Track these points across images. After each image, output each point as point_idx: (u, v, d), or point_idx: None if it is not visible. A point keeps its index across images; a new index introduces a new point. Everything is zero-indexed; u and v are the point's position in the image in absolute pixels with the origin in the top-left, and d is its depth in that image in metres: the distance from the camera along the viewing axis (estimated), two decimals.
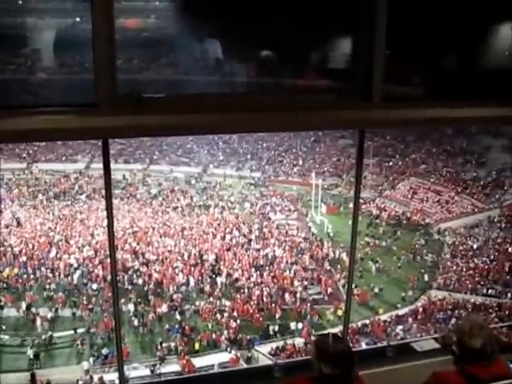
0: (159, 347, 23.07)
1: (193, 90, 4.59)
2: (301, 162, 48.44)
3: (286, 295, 27.03)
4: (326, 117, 3.63)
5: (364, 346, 20.50)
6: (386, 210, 39.69)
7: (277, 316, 25.52)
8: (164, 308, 25.67)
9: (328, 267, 30.41)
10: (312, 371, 3.27)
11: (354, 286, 24.66)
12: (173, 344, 23.41)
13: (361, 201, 35.66)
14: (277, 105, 3.48)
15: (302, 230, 36.38)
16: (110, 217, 3.86)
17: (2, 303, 25.77)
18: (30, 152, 47.06)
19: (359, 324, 24.47)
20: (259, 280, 28.47)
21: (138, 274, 28.60)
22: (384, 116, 3.73)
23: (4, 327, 24.17)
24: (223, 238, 34.08)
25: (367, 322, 25.03)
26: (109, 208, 3.85)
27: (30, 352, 22.11)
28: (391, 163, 46.49)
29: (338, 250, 31.82)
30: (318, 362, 3.28)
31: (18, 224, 35.75)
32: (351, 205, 32.94)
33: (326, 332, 19.06)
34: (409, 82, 4.05)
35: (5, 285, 27.38)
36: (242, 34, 3.77)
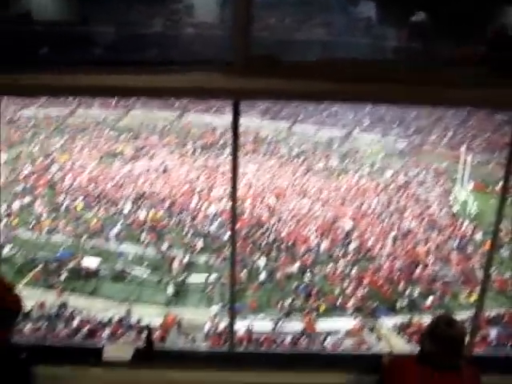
0: (284, 304, 23.59)
1: (341, 52, 4.38)
2: (451, 134, 45.82)
3: (418, 271, 26.14)
4: (477, 95, 3.27)
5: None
6: None
7: (405, 291, 24.88)
8: (294, 267, 26.04)
9: (466, 248, 28.82)
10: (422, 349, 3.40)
11: (492, 271, 23.19)
12: (298, 302, 23.82)
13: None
14: (427, 77, 3.20)
15: (443, 205, 34.73)
16: (234, 179, 3.86)
17: (146, 241, 27.87)
18: (183, 102, 49.12)
19: (493, 313, 23.03)
20: (391, 252, 27.79)
21: (272, 230, 29.20)
22: None
23: (146, 263, 26.16)
24: (360, 205, 33.60)
25: (502, 311, 23.46)
26: (234, 169, 3.84)
27: (171, 289, 23.97)
28: None
29: (480, 230, 29.95)
30: (425, 338, 3.41)
31: (165, 171, 37.89)
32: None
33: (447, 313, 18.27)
34: None
35: (149, 225, 29.41)
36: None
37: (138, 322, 21.72)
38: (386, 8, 3.84)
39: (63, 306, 22.86)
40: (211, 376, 4.13)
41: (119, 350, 4.45)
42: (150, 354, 4.41)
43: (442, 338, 3.28)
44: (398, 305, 24.04)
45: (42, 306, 22.46)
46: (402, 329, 22.12)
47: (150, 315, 22.44)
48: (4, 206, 30.08)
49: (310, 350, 17.79)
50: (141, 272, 25.56)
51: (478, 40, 3.60)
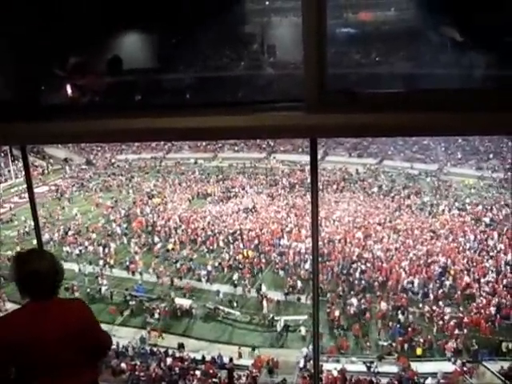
0: (379, 345, 22.82)
1: (427, 84, 4.23)
2: None
3: None
4: None
5: None
6: None
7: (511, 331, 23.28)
8: (386, 306, 25.20)
9: None
10: None
11: None
12: (393, 344, 22.94)
13: None
14: None
15: None
16: (315, 216, 3.76)
17: (236, 281, 28.08)
18: (270, 143, 49.93)
19: None
20: (491, 289, 26.27)
21: (364, 268, 28.57)
22: None
23: (236, 304, 26.25)
24: (454, 241, 32.20)
25: None
26: (314, 207, 3.74)
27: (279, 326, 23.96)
28: None
29: None
30: None
31: (254, 210, 38.24)
32: None
33: None
34: None
35: (240, 264, 29.66)
36: (482, 22, 3.34)
37: (230, 361, 21.82)
38: (472, 34, 3.67)
39: (156, 344, 23.42)
40: None
41: None
42: None
43: None
44: (504, 345, 22.38)
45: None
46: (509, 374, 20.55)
47: (242, 355, 22.53)
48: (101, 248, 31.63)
49: None
50: (233, 312, 25.66)
51: None
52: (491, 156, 45.82)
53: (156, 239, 33.32)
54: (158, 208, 39.02)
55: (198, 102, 3.79)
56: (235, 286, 27.77)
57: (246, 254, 30.66)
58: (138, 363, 22.11)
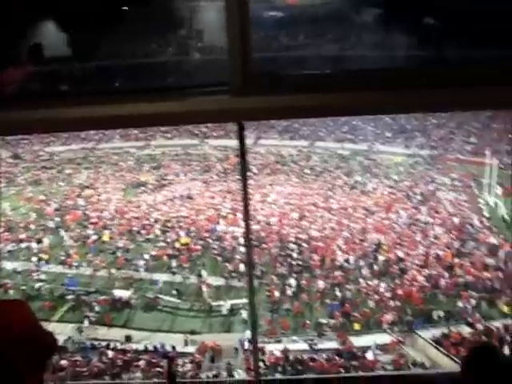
0: (318, 322, 23.36)
1: (353, 65, 4.35)
2: (474, 140, 45.23)
3: (451, 280, 25.73)
4: (496, 94, 3.18)
5: None
6: None
7: (441, 300, 24.47)
8: (324, 284, 25.81)
9: (497, 253, 28.17)
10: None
11: None
12: (332, 321, 23.55)
13: None
14: (439, 81, 3.13)
15: (473, 213, 34.13)
16: (246, 199, 3.80)
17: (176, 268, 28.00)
18: (203, 129, 49.57)
19: None
20: (422, 262, 27.41)
21: (301, 248, 29.08)
22: None
23: (175, 292, 26.21)
24: (387, 217, 33.29)
25: None
26: (245, 190, 3.79)
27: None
28: None
29: None
30: (466, 374, 2.96)
31: (190, 197, 38.06)
32: None
33: (481, 341, 17.84)
34: None
35: (178, 252, 29.55)
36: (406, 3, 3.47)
37: (173, 349, 21.80)
38: (394, 16, 3.80)
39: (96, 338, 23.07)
40: None
41: None
42: None
43: (483, 372, 2.88)
44: (435, 314, 23.56)
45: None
46: (441, 340, 21.58)
47: (183, 342, 22.55)
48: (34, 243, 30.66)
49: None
50: (172, 300, 25.56)
51: (490, 40, 3.54)
52: (418, 134, 47.36)
53: (91, 231, 32.61)
54: (92, 200, 38.10)
55: (126, 89, 3.73)
56: (174, 274, 27.63)
57: (183, 242, 30.52)
58: (79, 358, 21.72)
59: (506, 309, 23.30)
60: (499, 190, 35.99)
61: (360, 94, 3.15)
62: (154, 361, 21.16)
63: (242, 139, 3.46)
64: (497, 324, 22.23)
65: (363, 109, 3.40)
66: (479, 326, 22.41)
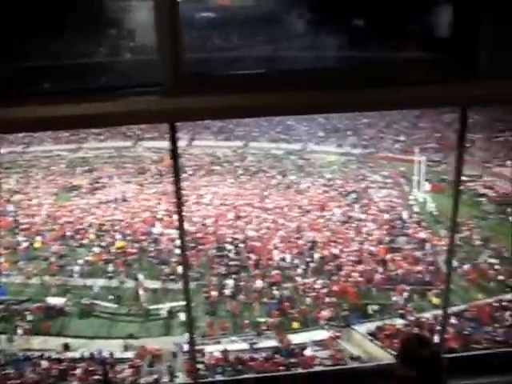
0: (257, 322, 23.54)
1: (284, 66, 4.42)
2: (403, 138, 46.79)
3: (384, 274, 26.60)
4: (421, 93, 3.33)
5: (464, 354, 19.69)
6: (493, 188, 37.32)
7: (375, 294, 25.27)
8: (262, 283, 26.03)
9: (428, 247, 29.38)
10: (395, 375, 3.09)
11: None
12: (271, 319, 23.77)
13: (466, 178, 33.63)
14: (366, 81, 3.25)
15: (403, 209, 35.29)
16: (179, 201, 3.80)
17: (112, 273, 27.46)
18: (136, 131, 48.91)
19: (462, 307, 23.43)
20: (356, 258, 28.15)
21: (238, 249, 29.21)
22: (490, 90, 3.36)
23: (112, 297, 25.70)
24: (321, 215, 33.91)
25: (470, 305, 23.90)
26: (178, 192, 3.78)
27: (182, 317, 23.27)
28: (501, 138, 43.63)
29: (441, 229, 30.56)
30: (400, 364, 3.10)
31: (124, 200, 37.45)
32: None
33: (413, 332, 18.47)
34: None
35: (112, 256, 28.99)
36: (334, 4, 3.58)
37: (111, 355, 21.39)
38: (325, 18, 3.90)
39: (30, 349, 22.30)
40: None
41: None
42: None
43: (416, 361, 3.04)
44: (370, 308, 24.29)
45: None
46: (376, 334, 22.19)
47: (122, 348, 22.17)
48: None
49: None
50: (109, 305, 25.06)
51: (418, 40, 3.71)
52: (349, 133, 48.54)
53: (22, 238, 31.46)
54: (22, 205, 36.78)
55: (56, 91, 3.64)
56: (110, 278, 27.11)
57: (118, 245, 29.99)
58: (11, 371, 20.90)
59: (435, 300, 24.25)
60: (428, 186, 37.46)
61: (292, 94, 3.21)
62: (91, 369, 20.66)
63: (174, 140, 3.45)
64: (427, 315, 23.13)
65: (295, 109, 3.46)
66: (411, 318, 23.22)
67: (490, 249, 28.67)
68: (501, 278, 26.01)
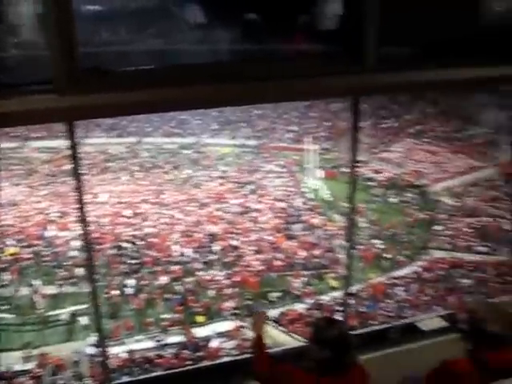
0: (161, 319, 23.31)
1: (178, 60, 4.39)
2: (294, 128, 48.00)
3: (283, 261, 27.31)
4: (313, 85, 3.44)
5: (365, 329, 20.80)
6: (381, 173, 39.40)
7: (275, 282, 25.85)
8: (164, 279, 25.78)
9: (323, 233, 30.48)
10: (308, 356, 3.26)
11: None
12: (175, 315, 23.63)
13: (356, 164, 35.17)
14: (260, 74, 3.31)
15: (298, 196, 36.30)
16: (81, 203, 3.68)
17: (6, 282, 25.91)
18: (22, 131, 46.38)
19: (358, 287, 24.59)
20: (256, 247, 28.61)
21: (137, 246, 28.70)
22: (378, 81, 3.53)
23: (6, 306, 24.29)
24: (219, 208, 34.10)
25: (367, 284, 25.19)
26: (79, 192, 3.66)
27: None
28: (386, 125, 46.06)
29: (336, 214, 31.83)
30: (313, 346, 3.31)
31: (14, 203, 35.51)
32: (345, 169, 32.81)
33: (322, 315, 19.19)
34: (404, 42, 3.84)
35: (5, 264, 27.40)
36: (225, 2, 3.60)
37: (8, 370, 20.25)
38: (214, 11, 3.91)
39: None
40: None
41: None
42: None
43: (332, 340, 3.24)
44: (270, 296, 24.85)
45: None
46: (279, 320, 22.69)
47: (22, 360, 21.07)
48: None
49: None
50: (3, 316, 23.68)
51: (308, 33, 3.82)
52: (243, 125, 49.05)
53: None
54: None
55: None
56: (3, 287, 25.58)
57: (11, 252, 28.36)
58: None
59: (333, 283, 25.27)
60: (321, 174, 38.77)
61: (186, 88, 3.21)
62: None
63: (73, 139, 3.32)
64: (326, 298, 24.05)
65: (189, 103, 3.46)
66: (311, 301, 24.04)
67: (378, 230, 30.36)
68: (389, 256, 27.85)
